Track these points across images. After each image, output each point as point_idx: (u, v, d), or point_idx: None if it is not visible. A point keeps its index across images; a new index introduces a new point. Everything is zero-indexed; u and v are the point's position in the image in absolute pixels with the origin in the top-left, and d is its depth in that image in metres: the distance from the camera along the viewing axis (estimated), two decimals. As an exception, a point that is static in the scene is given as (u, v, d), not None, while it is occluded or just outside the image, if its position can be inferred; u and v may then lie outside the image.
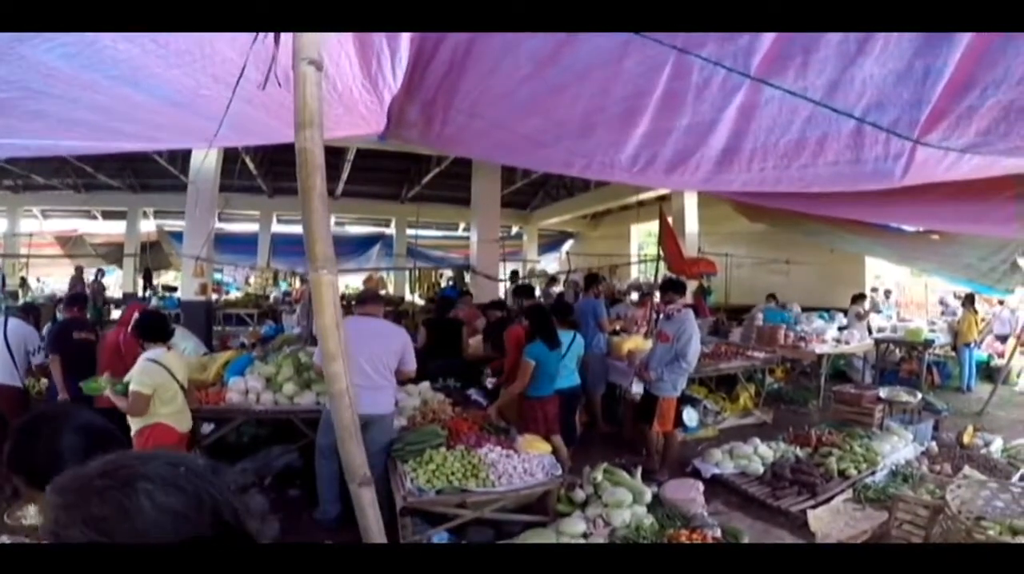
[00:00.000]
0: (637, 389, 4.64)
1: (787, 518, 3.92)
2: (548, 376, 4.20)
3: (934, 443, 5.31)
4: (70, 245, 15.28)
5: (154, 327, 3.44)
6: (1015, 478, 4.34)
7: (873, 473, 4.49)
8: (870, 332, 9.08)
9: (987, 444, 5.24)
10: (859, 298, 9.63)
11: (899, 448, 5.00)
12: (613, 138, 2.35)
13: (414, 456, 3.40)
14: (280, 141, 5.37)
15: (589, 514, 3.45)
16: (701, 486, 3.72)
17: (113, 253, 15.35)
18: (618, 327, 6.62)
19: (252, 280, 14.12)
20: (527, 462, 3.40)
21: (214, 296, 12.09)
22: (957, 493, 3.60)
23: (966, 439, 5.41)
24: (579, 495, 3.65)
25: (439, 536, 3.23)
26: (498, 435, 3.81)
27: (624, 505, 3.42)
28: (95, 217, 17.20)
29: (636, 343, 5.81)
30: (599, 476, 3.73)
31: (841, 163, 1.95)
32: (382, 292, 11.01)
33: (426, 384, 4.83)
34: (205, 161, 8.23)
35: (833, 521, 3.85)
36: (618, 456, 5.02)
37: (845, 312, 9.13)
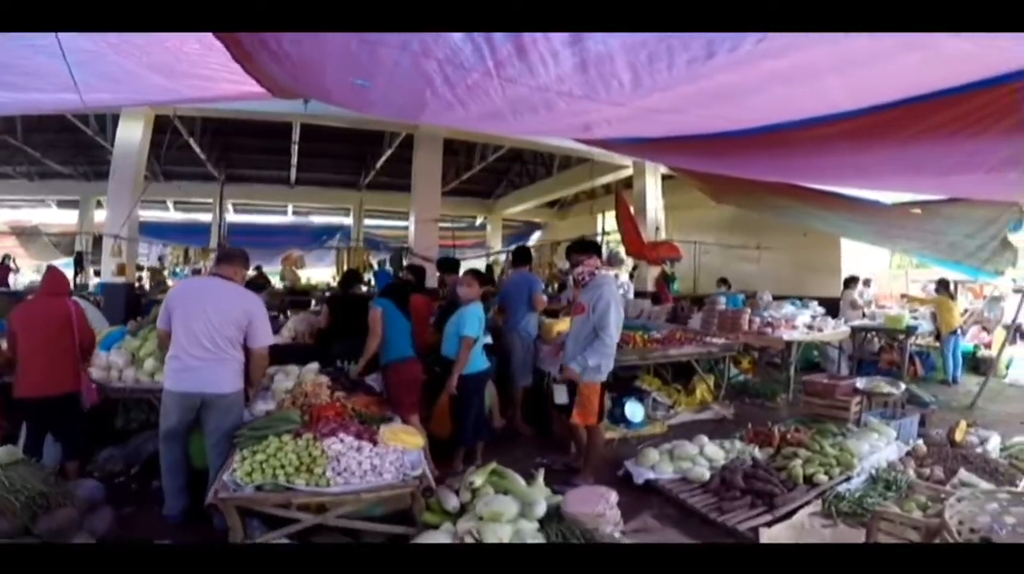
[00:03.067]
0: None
1: (735, 538, 3.00)
2: (401, 334, 3.81)
3: (921, 441, 4.52)
4: (25, 236, 14.71)
5: None
6: (1022, 485, 3.50)
7: (848, 479, 3.64)
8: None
9: (982, 442, 4.45)
10: (852, 282, 8.76)
11: (880, 448, 4.16)
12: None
13: (253, 444, 2.79)
14: (157, 96, 4.44)
15: (459, 528, 2.57)
16: (614, 496, 2.75)
17: (69, 243, 14.50)
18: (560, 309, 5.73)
19: (167, 260, 13.12)
20: (378, 458, 2.70)
21: (140, 283, 11.12)
22: (957, 508, 2.71)
23: (958, 436, 4.59)
24: (452, 502, 2.80)
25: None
26: (368, 425, 3.07)
27: (504, 518, 2.52)
28: (51, 206, 16.30)
29: (568, 325, 4.87)
30: (478, 480, 2.80)
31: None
32: (299, 272, 10.05)
33: (312, 365, 4.11)
34: (129, 131, 7.43)
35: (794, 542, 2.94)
36: (542, 455, 4.27)
37: (819, 301, 8.28)
